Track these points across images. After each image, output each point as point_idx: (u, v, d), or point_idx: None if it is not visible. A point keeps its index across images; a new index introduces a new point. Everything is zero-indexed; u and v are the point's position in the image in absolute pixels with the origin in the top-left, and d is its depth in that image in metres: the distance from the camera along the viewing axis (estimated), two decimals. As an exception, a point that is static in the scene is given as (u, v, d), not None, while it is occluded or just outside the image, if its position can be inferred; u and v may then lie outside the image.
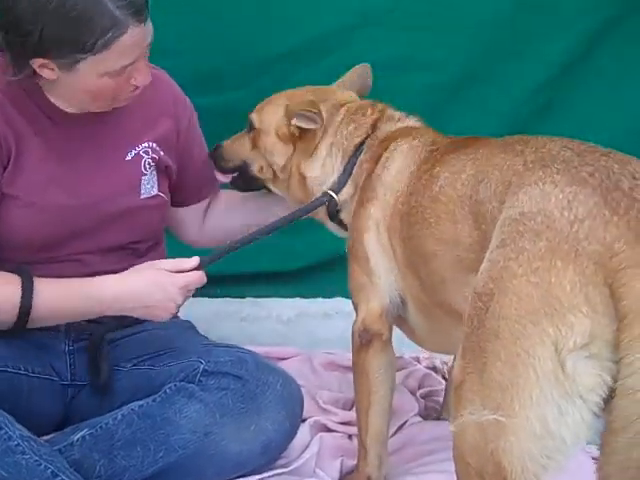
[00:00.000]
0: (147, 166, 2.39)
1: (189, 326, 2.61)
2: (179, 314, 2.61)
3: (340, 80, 2.53)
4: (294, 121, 2.34)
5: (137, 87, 2.22)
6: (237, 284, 3.23)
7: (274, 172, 2.44)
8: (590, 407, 1.55)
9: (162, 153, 2.42)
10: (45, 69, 2.14)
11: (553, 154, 1.74)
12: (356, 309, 2.26)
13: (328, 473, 2.31)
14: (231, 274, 3.11)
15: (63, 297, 2.23)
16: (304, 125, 2.33)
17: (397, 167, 2.20)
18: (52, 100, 2.27)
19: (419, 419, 2.57)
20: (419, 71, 3.03)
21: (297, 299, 3.24)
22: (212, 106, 2.84)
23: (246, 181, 2.52)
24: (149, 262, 2.28)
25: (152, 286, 2.22)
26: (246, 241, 2.30)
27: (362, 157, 2.31)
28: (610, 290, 1.53)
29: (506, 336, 1.58)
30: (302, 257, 3.18)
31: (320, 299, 3.21)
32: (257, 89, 2.84)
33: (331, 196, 2.32)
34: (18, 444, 2.05)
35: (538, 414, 1.56)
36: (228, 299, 3.26)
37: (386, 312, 2.20)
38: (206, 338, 2.54)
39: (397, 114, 2.40)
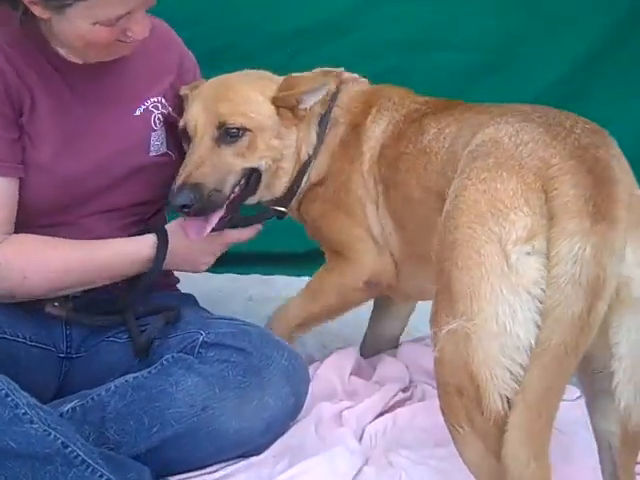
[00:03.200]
0: (157, 122, 2.34)
1: (192, 301, 2.53)
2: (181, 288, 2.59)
3: None
4: (304, 105, 2.32)
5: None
6: (244, 263, 3.14)
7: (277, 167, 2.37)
8: (536, 304, 1.67)
9: (170, 109, 2.36)
10: (35, 6, 2.06)
11: (514, 108, 1.99)
12: (357, 259, 2.32)
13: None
14: (238, 252, 3.01)
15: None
16: (315, 100, 2.33)
17: (385, 121, 2.33)
18: (57, 49, 2.19)
19: (404, 395, 2.43)
20: (439, 51, 2.92)
21: (306, 278, 3.13)
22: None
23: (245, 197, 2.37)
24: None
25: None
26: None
27: (336, 118, 2.39)
28: (546, 196, 1.72)
29: (460, 243, 1.74)
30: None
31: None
32: (272, 65, 2.76)
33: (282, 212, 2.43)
34: (25, 412, 1.93)
35: (492, 312, 1.68)
36: (234, 275, 3.19)
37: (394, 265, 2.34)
38: (209, 312, 2.46)
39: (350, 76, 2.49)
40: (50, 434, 1.92)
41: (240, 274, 3.22)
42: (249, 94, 2.30)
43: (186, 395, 2.08)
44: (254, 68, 2.63)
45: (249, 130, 2.27)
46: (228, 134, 2.25)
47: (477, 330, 1.69)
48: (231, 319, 2.28)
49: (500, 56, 2.92)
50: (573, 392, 2.01)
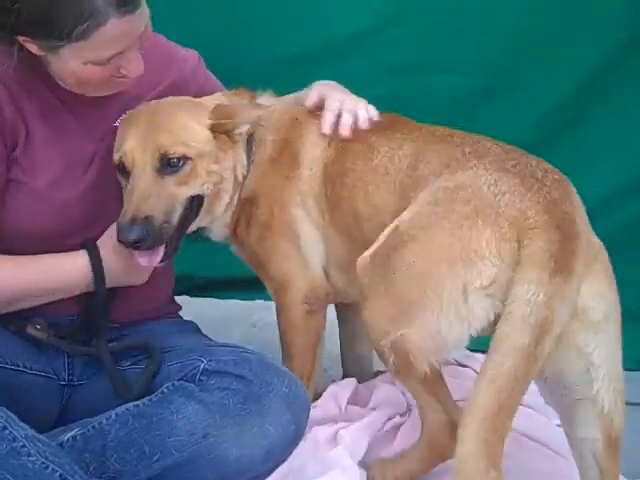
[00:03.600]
0: None
1: (194, 328, 2.53)
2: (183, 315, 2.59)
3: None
4: (240, 130, 2.33)
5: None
6: (247, 289, 3.13)
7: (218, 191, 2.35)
8: (471, 331, 1.93)
9: None
10: (30, 44, 2.09)
11: (486, 148, 2.13)
12: (288, 282, 2.38)
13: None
14: (241, 278, 3.01)
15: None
16: (246, 127, 2.35)
17: (325, 140, 2.35)
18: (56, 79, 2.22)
19: (400, 421, 2.42)
20: (440, 76, 2.95)
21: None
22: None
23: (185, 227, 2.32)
24: None
25: None
26: None
27: (262, 137, 2.39)
28: (518, 245, 1.91)
29: (427, 277, 1.94)
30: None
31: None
32: (274, 90, 2.79)
33: None
34: (23, 445, 1.93)
35: (435, 323, 1.94)
36: (238, 301, 3.19)
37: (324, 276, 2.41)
38: (210, 339, 2.45)
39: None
40: (48, 467, 1.93)
41: (243, 300, 3.22)
42: (185, 122, 2.27)
43: (187, 423, 2.06)
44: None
45: (190, 159, 2.25)
46: (169, 164, 2.23)
47: (417, 329, 1.95)
48: (232, 346, 2.27)
49: (501, 80, 2.93)
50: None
